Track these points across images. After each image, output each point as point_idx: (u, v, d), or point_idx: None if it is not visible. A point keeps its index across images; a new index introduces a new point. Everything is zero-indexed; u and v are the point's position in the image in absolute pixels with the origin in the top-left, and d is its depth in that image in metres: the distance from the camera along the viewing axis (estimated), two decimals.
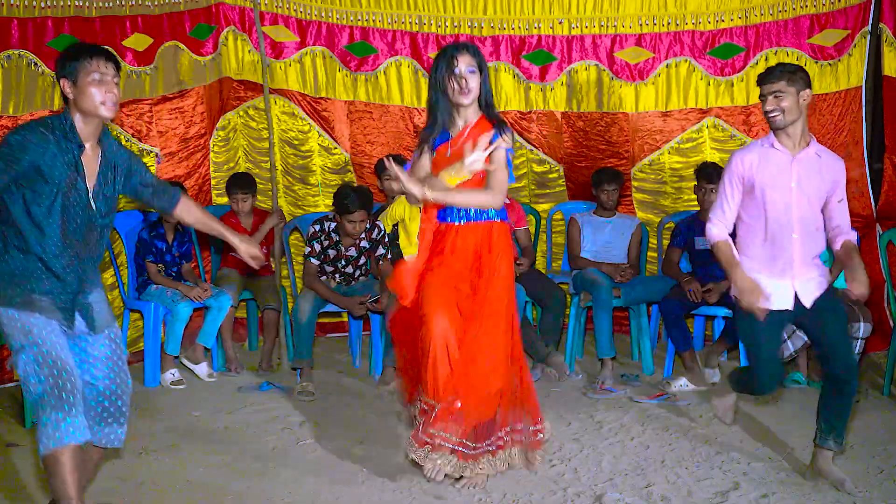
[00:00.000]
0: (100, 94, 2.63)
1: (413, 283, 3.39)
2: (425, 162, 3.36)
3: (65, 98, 2.68)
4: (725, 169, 3.34)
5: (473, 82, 3.22)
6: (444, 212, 3.37)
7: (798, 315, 3.28)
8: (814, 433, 3.35)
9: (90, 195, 2.70)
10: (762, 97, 3.23)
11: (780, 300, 3.21)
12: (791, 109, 3.15)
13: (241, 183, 5.17)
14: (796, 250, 3.22)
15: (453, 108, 3.29)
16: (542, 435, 3.41)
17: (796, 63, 5.19)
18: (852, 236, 3.31)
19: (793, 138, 3.21)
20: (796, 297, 3.24)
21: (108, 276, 4.95)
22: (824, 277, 3.31)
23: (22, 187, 2.60)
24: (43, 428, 2.56)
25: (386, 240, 4.88)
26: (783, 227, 3.22)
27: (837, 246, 3.27)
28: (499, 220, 3.36)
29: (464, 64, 3.20)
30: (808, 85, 3.20)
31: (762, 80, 3.23)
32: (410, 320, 3.39)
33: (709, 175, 4.79)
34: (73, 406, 2.57)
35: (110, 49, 2.76)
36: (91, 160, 2.71)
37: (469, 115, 3.30)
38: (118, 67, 2.71)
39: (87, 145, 2.68)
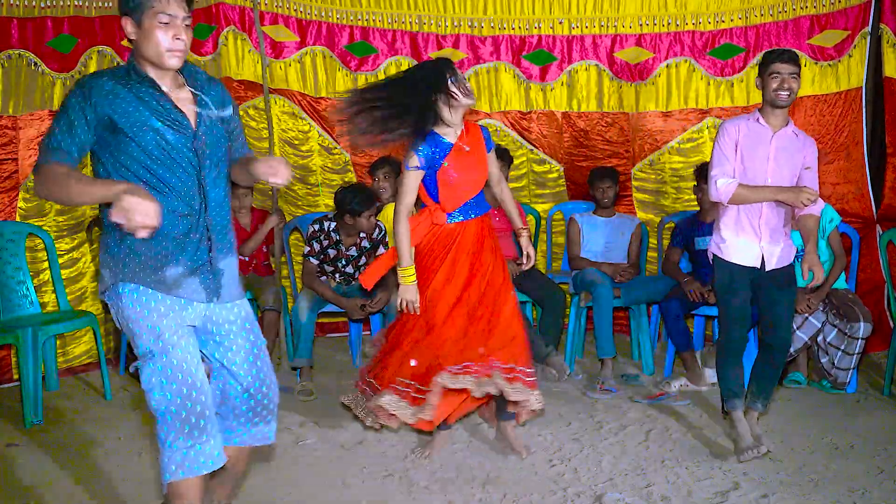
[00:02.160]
0: (167, 39, 2.24)
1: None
2: (416, 182, 3.50)
3: (129, 40, 2.31)
4: (719, 134, 3.64)
5: (469, 86, 3.44)
6: (453, 214, 3.53)
7: (759, 278, 3.63)
8: (746, 396, 3.74)
9: (190, 135, 2.33)
10: (772, 74, 3.50)
11: (749, 258, 3.61)
12: (796, 92, 3.50)
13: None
14: (765, 215, 3.58)
15: (449, 113, 3.41)
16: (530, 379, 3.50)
17: None
18: (816, 208, 3.55)
19: (780, 117, 3.57)
20: (763, 260, 3.61)
21: None
22: (791, 249, 3.68)
23: (110, 150, 2.26)
24: (168, 451, 2.28)
25: (386, 239, 4.89)
26: None
27: (800, 214, 3.57)
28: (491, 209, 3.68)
29: (459, 73, 3.45)
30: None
31: (778, 58, 3.51)
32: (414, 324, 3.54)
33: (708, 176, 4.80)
34: (203, 432, 2.29)
35: None
36: (182, 102, 2.35)
37: (459, 119, 3.48)
38: (191, 5, 2.34)
39: (166, 87, 2.32)
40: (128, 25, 2.26)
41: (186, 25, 2.28)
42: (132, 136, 2.25)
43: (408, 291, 3.48)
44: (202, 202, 2.37)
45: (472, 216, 3.53)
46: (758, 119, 3.60)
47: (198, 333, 2.44)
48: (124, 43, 5.02)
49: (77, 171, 2.20)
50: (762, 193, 3.55)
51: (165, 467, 2.30)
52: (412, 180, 3.49)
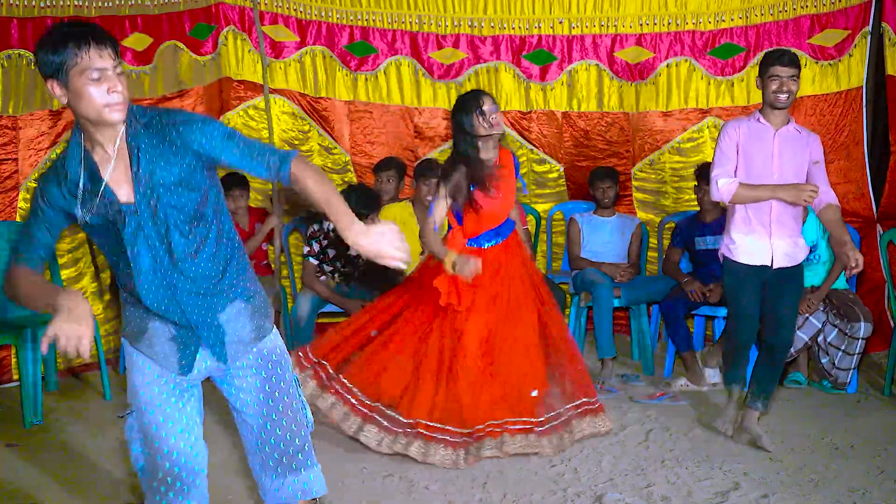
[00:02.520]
0: (100, 94, 1.91)
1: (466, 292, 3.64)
2: (444, 207, 3.71)
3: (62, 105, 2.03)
4: (720, 135, 3.70)
5: (501, 118, 3.73)
6: (476, 238, 3.73)
7: (767, 277, 3.66)
8: (747, 396, 3.79)
9: (140, 209, 2.01)
10: (771, 76, 3.56)
11: (758, 257, 3.64)
12: (795, 94, 3.58)
13: (236, 181, 5.18)
14: (774, 213, 3.61)
15: (480, 142, 3.68)
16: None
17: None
18: (835, 199, 3.60)
19: (780, 117, 3.62)
20: (772, 258, 3.65)
21: (106, 277, 4.96)
22: (799, 249, 3.69)
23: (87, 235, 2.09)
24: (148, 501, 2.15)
25: None
26: None
27: (820, 208, 3.61)
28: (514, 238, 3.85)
29: (488, 104, 3.66)
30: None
31: (777, 60, 3.56)
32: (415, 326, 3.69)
33: (708, 175, 4.80)
34: (179, 494, 2.09)
35: (97, 26, 1.98)
36: (122, 169, 2.01)
37: (492, 147, 3.73)
38: (116, 50, 1.96)
39: (108, 151, 2.00)
40: (56, 89, 1.95)
41: (119, 73, 1.95)
42: (82, 227, 2.06)
43: (465, 263, 3.55)
44: (173, 272, 2.07)
45: (490, 244, 3.71)
46: (758, 119, 3.66)
47: (214, 377, 2.21)
48: (125, 43, 5.03)
49: (30, 276, 2.03)
50: (761, 192, 3.57)
51: None
52: (440, 209, 3.70)
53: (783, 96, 3.55)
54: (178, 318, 2.08)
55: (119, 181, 2.01)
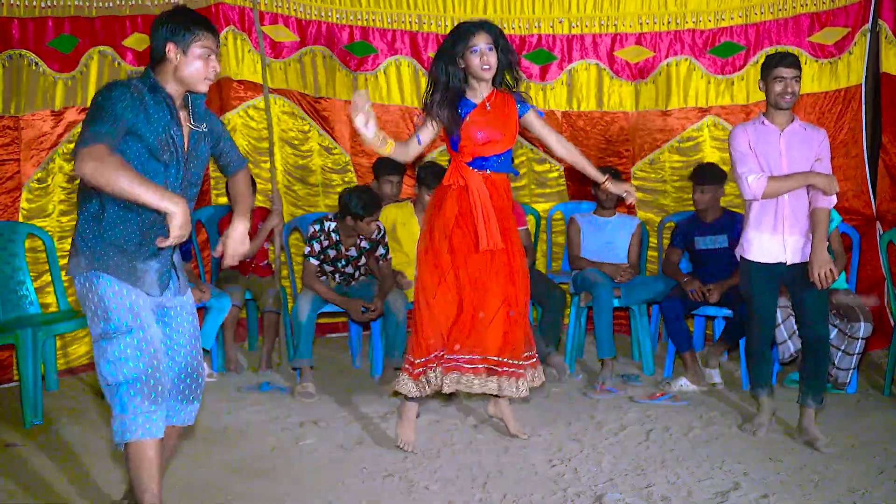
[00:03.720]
0: (205, 68, 2.58)
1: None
2: (431, 130, 3.59)
3: (156, 59, 2.57)
4: (731, 139, 3.79)
5: (493, 58, 3.51)
6: (473, 160, 3.60)
7: (785, 275, 3.72)
8: (799, 396, 3.82)
9: (185, 155, 2.63)
10: (776, 78, 3.66)
11: (771, 254, 3.71)
12: (797, 94, 3.68)
13: None
14: (785, 210, 3.67)
15: (471, 78, 3.55)
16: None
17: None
18: (826, 202, 3.63)
19: (784, 116, 3.71)
20: (786, 254, 3.70)
21: None
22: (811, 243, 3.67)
23: (124, 153, 2.48)
24: (128, 415, 2.53)
25: (385, 240, 4.89)
26: None
27: (812, 208, 3.69)
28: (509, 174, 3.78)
29: (483, 42, 3.48)
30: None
31: (780, 62, 3.66)
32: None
33: (701, 177, 4.85)
34: (163, 398, 2.58)
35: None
36: (183, 122, 2.64)
37: (485, 86, 3.58)
38: (218, 40, 2.66)
39: (176, 104, 2.61)
40: (171, 51, 2.55)
41: (218, 57, 2.63)
42: (145, 144, 2.52)
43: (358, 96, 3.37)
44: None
45: (491, 170, 3.61)
46: (763, 122, 3.75)
47: (159, 318, 2.70)
48: (125, 43, 5.03)
49: (128, 163, 2.44)
50: (793, 181, 3.65)
51: (127, 428, 2.54)
52: (425, 129, 3.59)
53: (788, 97, 3.65)
54: (165, 256, 2.67)
55: (184, 131, 2.63)
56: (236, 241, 2.83)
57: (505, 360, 3.59)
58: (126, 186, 2.36)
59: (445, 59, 3.54)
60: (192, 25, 2.57)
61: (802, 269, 3.70)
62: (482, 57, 3.48)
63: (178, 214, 2.42)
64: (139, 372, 2.54)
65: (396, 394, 3.82)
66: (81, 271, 2.60)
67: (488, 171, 3.61)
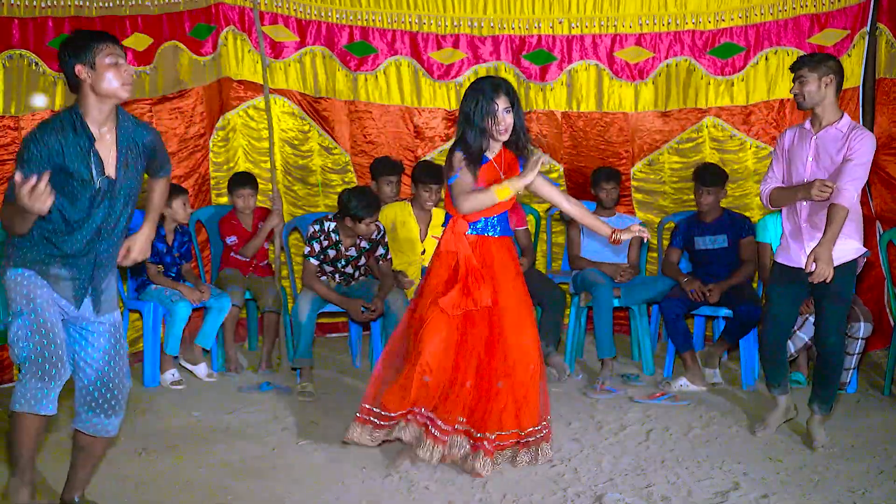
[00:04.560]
0: (118, 76, 2.67)
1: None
2: (469, 180, 3.49)
3: (74, 86, 2.69)
4: (777, 142, 3.87)
5: (510, 120, 3.47)
6: (476, 224, 3.57)
7: (807, 282, 3.58)
8: (809, 400, 3.82)
9: (113, 184, 2.74)
10: (792, 81, 3.68)
11: (793, 258, 3.69)
12: (812, 93, 3.57)
13: (246, 179, 5.19)
14: (804, 215, 3.65)
15: (488, 137, 3.50)
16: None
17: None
18: (844, 200, 3.47)
19: (819, 118, 3.63)
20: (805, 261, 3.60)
21: None
22: (843, 251, 3.54)
23: (61, 189, 2.65)
24: (21, 387, 2.72)
25: (385, 240, 4.89)
26: None
27: (829, 203, 3.56)
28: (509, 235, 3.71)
29: (501, 105, 3.44)
30: (834, 71, 3.57)
31: (791, 66, 3.69)
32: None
33: (703, 178, 4.85)
34: (53, 379, 2.72)
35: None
36: (109, 146, 2.73)
37: (497, 144, 3.56)
38: (121, 48, 2.77)
39: (103, 130, 2.71)
40: (82, 72, 2.66)
41: (127, 64, 2.74)
42: (75, 177, 2.67)
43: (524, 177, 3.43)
44: (99, 235, 2.79)
45: (492, 234, 3.57)
46: (804, 124, 3.73)
47: (74, 331, 2.84)
48: (125, 43, 5.02)
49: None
50: (789, 193, 3.67)
51: (16, 399, 2.72)
52: (464, 180, 3.48)
53: (797, 98, 3.64)
54: (84, 271, 2.78)
55: (105, 154, 2.73)
56: (143, 246, 2.97)
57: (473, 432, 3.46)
58: (14, 219, 2.61)
59: (478, 115, 3.44)
60: (91, 41, 2.68)
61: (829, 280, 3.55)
62: (501, 121, 3.44)
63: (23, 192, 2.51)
64: (29, 351, 2.70)
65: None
66: (3, 272, 2.81)
67: (488, 235, 3.57)
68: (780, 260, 3.77)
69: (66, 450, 3.09)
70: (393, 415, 3.49)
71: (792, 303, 3.79)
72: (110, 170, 2.73)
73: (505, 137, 3.50)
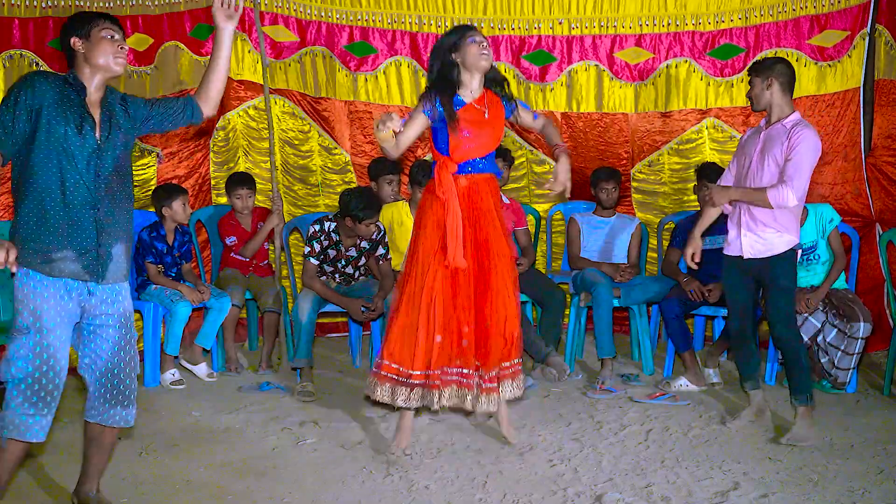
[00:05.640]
0: (112, 49, 2.71)
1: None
2: (422, 121, 3.56)
3: (70, 60, 2.75)
4: None
5: (491, 53, 3.58)
6: (463, 164, 3.61)
7: (753, 271, 3.83)
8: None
9: (98, 141, 2.72)
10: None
11: (734, 248, 3.87)
12: (757, 96, 3.80)
13: (243, 180, 5.19)
14: (743, 205, 3.81)
15: (466, 73, 3.55)
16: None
17: (796, 63, 5.23)
18: (773, 193, 3.63)
19: (769, 116, 3.82)
20: (742, 250, 3.83)
21: None
22: (766, 243, 3.76)
23: (47, 138, 2.64)
24: (11, 412, 2.65)
25: (385, 240, 4.89)
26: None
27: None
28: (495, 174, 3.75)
29: (480, 36, 3.56)
30: (777, 73, 3.74)
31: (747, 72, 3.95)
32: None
33: (709, 175, 4.85)
34: (47, 406, 2.68)
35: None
36: (94, 107, 2.75)
37: (477, 84, 3.60)
38: (122, 30, 2.83)
39: (93, 97, 2.74)
40: (77, 43, 2.73)
41: (125, 46, 2.79)
42: (49, 131, 2.64)
43: (387, 119, 3.37)
44: (94, 198, 2.72)
45: (480, 171, 3.62)
46: (760, 123, 3.91)
47: (83, 328, 2.80)
48: (126, 43, 5.03)
49: None
50: (720, 192, 3.90)
51: (4, 425, 2.65)
52: (417, 121, 3.55)
53: (749, 100, 3.89)
54: (89, 240, 2.70)
55: (95, 115, 2.74)
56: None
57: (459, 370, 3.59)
58: None
59: (442, 52, 3.57)
60: (91, 16, 2.78)
61: (763, 266, 3.79)
62: (481, 45, 3.52)
63: None
64: (25, 374, 2.63)
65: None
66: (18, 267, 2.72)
67: (473, 174, 3.63)
68: (725, 252, 3.93)
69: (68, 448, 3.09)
70: (413, 372, 3.55)
71: (745, 289, 3.91)
72: (96, 131, 2.74)
73: (487, 65, 3.53)
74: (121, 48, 2.75)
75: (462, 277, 3.58)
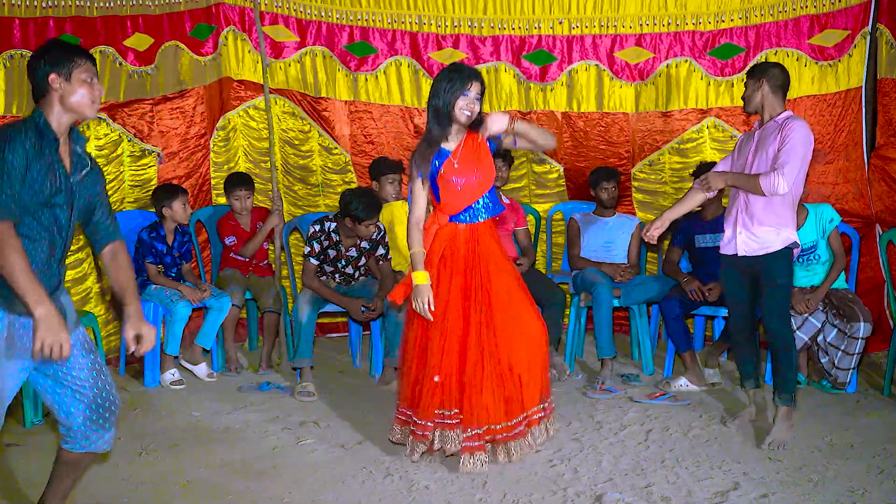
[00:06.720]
0: (91, 94, 2.63)
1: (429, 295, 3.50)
2: (424, 187, 3.53)
3: (40, 93, 2.60)
4: None
5: (478, 108, 3.50)
6: (460, 216, 3.57)
7: (749, 270, 3.86)
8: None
9: (72, 191, 2.63)
10: None
11: (729, 246, 3.90)
12: (748, 97, 3.87)
13: (242, 180, 5.19)
14: (739, 204, 3.85)
15: (451, 123, 3.49)
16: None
17: (796, 63, 5.23)
18: (767, 180, 3.65)
19: (761, 118, 3.88)
20: (736, 247, 3.87)
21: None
22: (759, 241, 3.78)
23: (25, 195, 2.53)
24: None
25: (385, 240, 4.89)
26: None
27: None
28: (495, 217, 3.69)
29: (474, 91, 3.46)
30: (768, 76, 3.81)
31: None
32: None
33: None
34: None
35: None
36: (65, 155, 2.65)
37: (459, 132, 3.54)
38: (96, 67, 2.74)
39: (60, 140, 2.63)
40: (55, 81, 2.59)
41: (98, 83, 2.68)
42: (31, 188, 2.52)
43: (419, 292, 3.44)
44: (63, 246, 2.67)
45: (472, 221, 3.56)
46: (756, 124, 3.93)
47: (39, 370, 2.68)
48: (126, 43, 5.03)
49: (23, 251, 2.47)
50: (716, 177, 3.92)
51: None
52: (416, 189, 3.52)
53: (743, 102, 3.93)
54: (50, 287, 2.58)
55: (66, 162, 2.63)
56: (150, 340, 2.75)
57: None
58: (15, 274, 2.42)
59: (439, 100, 3.46)
60: (72, 54, 2.64)
61: (752, 263, 3.81)
62: (469, 104, 3.44)
63: (42, 323, 2.41)
64: None
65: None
66: None
67: (475, 222, 3.56)
68: (722, 251, 3.96)
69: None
70: (420, 422, 3.50)
71: (743, 288, 3.93)
72: (68, 183, 2.63)
73: (467, 123, 3.48)
74: (98, 92, 2.66)
75: (475, 315, 3.50)
